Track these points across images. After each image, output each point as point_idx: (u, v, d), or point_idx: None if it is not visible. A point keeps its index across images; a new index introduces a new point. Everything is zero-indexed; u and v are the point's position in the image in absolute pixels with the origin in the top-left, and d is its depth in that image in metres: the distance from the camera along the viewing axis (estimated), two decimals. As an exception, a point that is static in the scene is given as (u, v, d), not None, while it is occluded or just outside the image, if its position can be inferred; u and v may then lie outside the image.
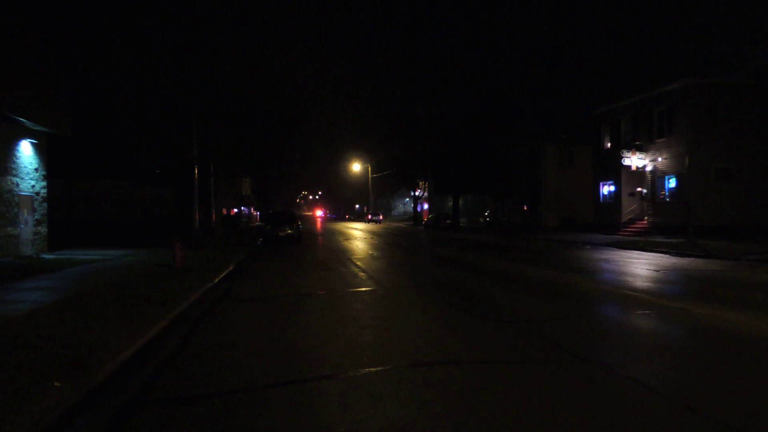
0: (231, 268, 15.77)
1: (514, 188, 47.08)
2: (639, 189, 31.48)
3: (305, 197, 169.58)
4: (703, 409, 4.45)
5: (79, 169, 31.46)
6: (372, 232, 40.84)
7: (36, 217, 19.10)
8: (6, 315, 8.23)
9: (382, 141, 61.88)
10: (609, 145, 34.81)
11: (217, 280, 13.06)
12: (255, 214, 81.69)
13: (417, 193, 62.83)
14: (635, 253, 19.72)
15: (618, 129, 33.78)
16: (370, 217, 75.21)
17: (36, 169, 19.11)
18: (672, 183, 29.26)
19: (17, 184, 17.81)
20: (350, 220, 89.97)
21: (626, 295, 10.33)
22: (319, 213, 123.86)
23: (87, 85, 25.27)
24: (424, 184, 61.13)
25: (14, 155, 17.70)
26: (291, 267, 16.71)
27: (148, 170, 34.83)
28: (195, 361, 6.21)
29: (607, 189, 35.21)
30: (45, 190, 19.81)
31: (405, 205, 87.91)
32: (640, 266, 15.50)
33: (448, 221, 46.90)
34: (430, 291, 11.47)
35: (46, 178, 19.86)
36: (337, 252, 22.09)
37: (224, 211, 42.93)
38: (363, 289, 11.70)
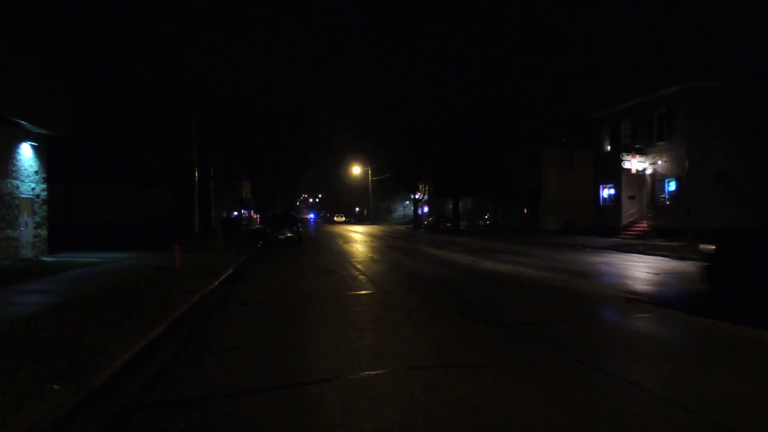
0: (231, 270, 15.77)
1: (515, 191, 47.09)
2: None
3: (305, 200, 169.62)
4: (701, 412, 4.45)
5: (79, 172, 31.44)
6: (372, 235, 40.84)
7: (36, 219, 19.10)
8: (6, 317, 8.23)
9: (382, 144, 61.96)
10: (609, 148, 34.83)
11: (217, 283, 13.06)
12: (255, 216, 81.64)
13: (417, 196, 62.83)
14: (635, 257, 19.71)
15: (618, 132, 33.81)
16: (335, 218, 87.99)
17: (36, 172, 19.12)
18: (672, 186, 29.26)
19: (17, 187, 17.82)
20: (348, 223, 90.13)
21: (626, 299, 10.33)
22: (311, 215, 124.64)
23: (87, 87, 25.28)
24: (424, 187, 61.15)
25: (14, 158, 17.72)
26: (291, 270, 16.70)
27: (148, 173, 34.82)
28: (194, 364, 6.21)
29: (607, 192, 35.21)
30: (45, 193, 19.81)
31: (405, 207, 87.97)
32: (640, 269, 15.49)
33: (448, 224, 46.88)
34: (430, 294, 11.47)
35: (46, 180, 19.87)
36: (337, 255, 22.09)
37: (224, 214, 42.92)
38: (363, 292, 11.70)
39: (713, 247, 9.96)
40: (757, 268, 8.50)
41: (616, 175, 32.41)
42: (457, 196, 53.03)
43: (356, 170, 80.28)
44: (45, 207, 19.80)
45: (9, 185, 17.31)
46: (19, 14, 16.73)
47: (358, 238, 37.07)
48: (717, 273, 9.77)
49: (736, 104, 28.01)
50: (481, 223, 55.88)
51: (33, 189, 18.89)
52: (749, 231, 10.46)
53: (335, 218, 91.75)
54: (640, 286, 11.97)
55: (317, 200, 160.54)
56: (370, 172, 76.16)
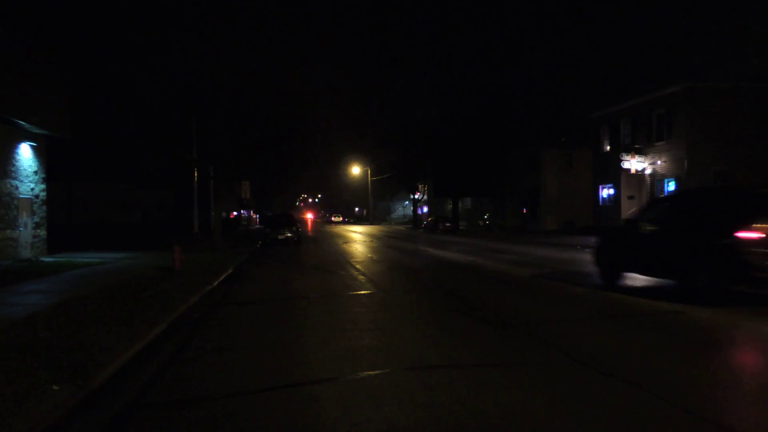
0: (230, 271, 15.77)
1: (514, 191, 47.11)
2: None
3: (305, 200, 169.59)
4: (701, 413, 4.45)
5: (78, 173, 31.49)
6: (371, 235, 40.84)
7: (35, 220, 19.09)
8: (5, 318, 8.22)
9: (381, 144, 62.01)
10: (608, 148, 34.85)
11: (216, 283, 13.06)
12: (254, 217, 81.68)
13: (416, 196, 62.85)
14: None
15: (617, 132, 33.83)
16: (333, 218, 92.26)
17: (35, 172, 19.11)
18: (671, 186, 29.28)
19: (16, 187, 17.81)
20: (347, 223, 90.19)
21: (625, 298, 10.32)
22: (309, 216, 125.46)
23: (87, 87, 25.27)
24: (424, 187, 61.20)
25: (14, 158, 17.70)
26: (290, 270, 16.70)
27: (147, 173, 34.84)
28: (194, 365, 6.21)
29: (606, 192, 35.23)
30: (44, 193, 19.80)
31: (405, 207, 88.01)
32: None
33: (447, 224, 46.88)
34: (429, 294, 11.47)
35: (45, 181, 19.86)
36: (336, 255, 22.08)
37: (223, 214, 42.95)
38: (362, 292, 11.69)
39: (603, 236, 13.20)
40: (616, 252, 12.16)
41: (616, 175, 32.43)
42: (456, 197, 53.07)
43: (356, 170, 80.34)
44: (44, 207, 19.79)
45: (8, 185, 17.30)
46: (18, 14, 16.71)
47: (357, 238, 37.07)
48: (599, 256, 12.74)
49: (736, 104, 28.04)
50: (481, 223, 55.91)
51: (32, 189, 18.88)
52: (616, 226, 13.72)
53: (332, 218, 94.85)
54: (639, 286, 11.95)
55: (317, 200, 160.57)
56: (369, 172, 76.21)
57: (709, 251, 9.33)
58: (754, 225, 8.81)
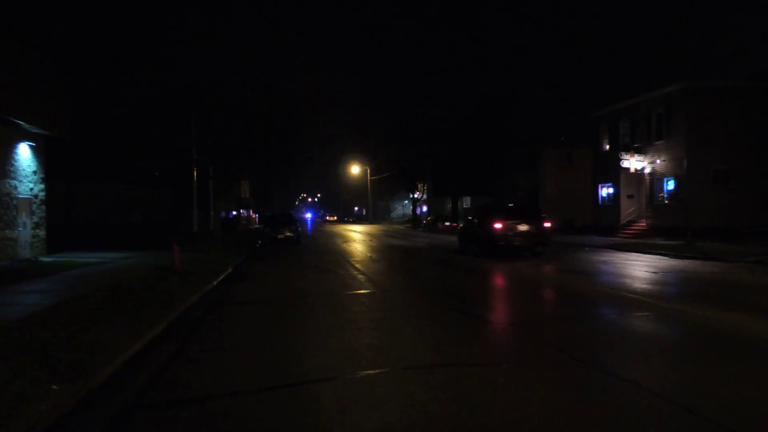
0: (230, 270, 15.76)
1: (513, 190, 47.10)
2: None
3: (304, 199, 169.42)
4: (701, 411, 4.45)
5: (77, 172, 31.41)
6: (370, 234, 40.83)
7: (34, 220, 19.06)
8: (4, 318, 8.21)
9: (381, 143, 61.99)
10: (607, 147, 34.83)
11: (215, 282, 13.05)
12: (254, 216, 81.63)
13: (416, 196, 62.81)
14: (633, 255, 19.73)
15: (617, 131, 33.81)
16: (327, 218, 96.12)
17: (34, 172, 19.08)
18: (670, 185, 29.27)
19: (15, 187, 17.78)
20: (346, 222, 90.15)
21: (624, 297, 10.33)
22: (308, 215, 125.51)
23: (86, 87, 25.21)
24: (423, 186, 61.16)
25: (12, 158, 17.68)
26: (290, 269, 16.70)
27: (147, 173, 34.79)
28: (193, 364, 6.20)
29: (605, 191, 35.22)
30: (43, 193, 19.77)
31: (404, 207, 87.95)
32: (639, 268, 15.50)
33: (447, 223, 46.83)
34: (429, 293, 11.47)
35: (44, 181, 19.83)
36: (335, 254, 22.08)
37: (223, 214, 42.89)
38: (362, 291, 11.70)
39: (461, 227, 24.25)
40: (466, 236, 21.94)
41: (615, 174, 32.41)
42: (456, 196, 53.04)
43: (355, 170, 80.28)
44: (43, 207, 19.76)
45: (7, 185, 17.28)
46: (18, 14, 16.69)
47: (356, 237, 37.06)
48: (458, 239, 23.03)
49: (735, 103, 28.02)
50: (480, 222, 55.86)
51: (31, 189, 18.86)
52: (467, 221, 23.43)
53: (327, 217, 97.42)
54: (638, 285, 11.97)
55: (316, 199, 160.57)
56: (369, 171, 76.18)
57: (486, 233, 19.08)
58: (500, 221, 18.57)
